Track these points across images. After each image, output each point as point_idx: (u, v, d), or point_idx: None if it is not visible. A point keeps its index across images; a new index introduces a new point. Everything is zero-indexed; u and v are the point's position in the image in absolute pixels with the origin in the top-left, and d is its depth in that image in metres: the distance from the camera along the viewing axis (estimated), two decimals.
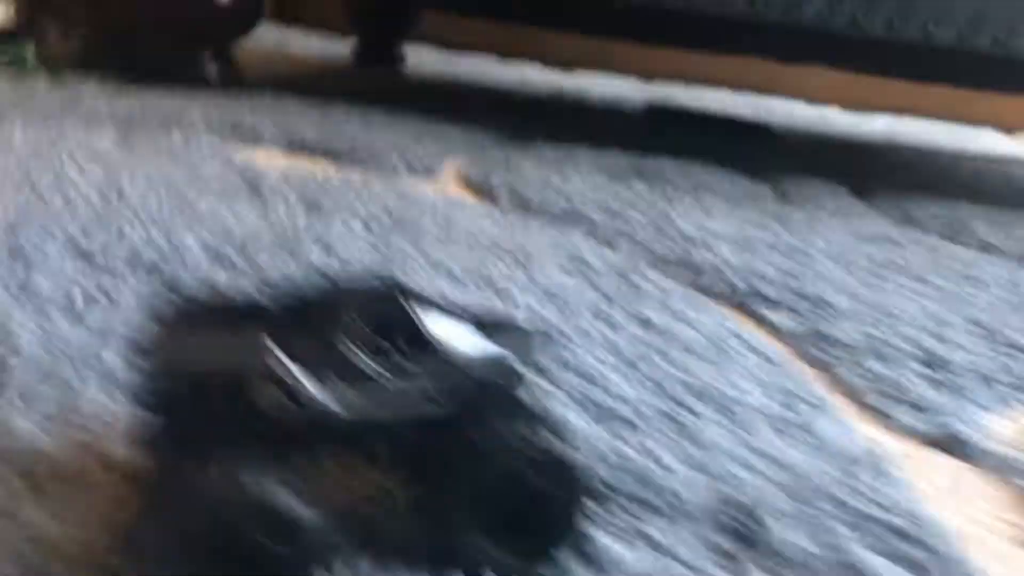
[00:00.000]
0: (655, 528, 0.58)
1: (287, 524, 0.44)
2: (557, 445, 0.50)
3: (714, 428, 0.75)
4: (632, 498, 0.62)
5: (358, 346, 0.49)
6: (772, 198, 1.83)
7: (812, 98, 4.28)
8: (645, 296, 1.09)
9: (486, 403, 0.53)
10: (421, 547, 0.50)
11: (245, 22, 2.28)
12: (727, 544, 0.58)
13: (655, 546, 0.56)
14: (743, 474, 0.67)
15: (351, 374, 0.49)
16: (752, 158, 2.16)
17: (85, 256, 0.95)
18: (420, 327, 0.51)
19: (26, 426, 0.60)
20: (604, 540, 0.56)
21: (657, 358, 0.88)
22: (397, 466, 0.52)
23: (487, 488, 0.50)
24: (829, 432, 0.77)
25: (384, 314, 0.53)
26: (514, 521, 0.51)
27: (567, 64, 4.38)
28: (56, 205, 1.11)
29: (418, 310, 0.52)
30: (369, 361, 0.49)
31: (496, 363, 0.54)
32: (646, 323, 0.99)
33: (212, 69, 2.26)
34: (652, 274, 1.18)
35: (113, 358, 0.72)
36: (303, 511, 0.45)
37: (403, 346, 0.53)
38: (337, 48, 3.62)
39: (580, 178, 1.72)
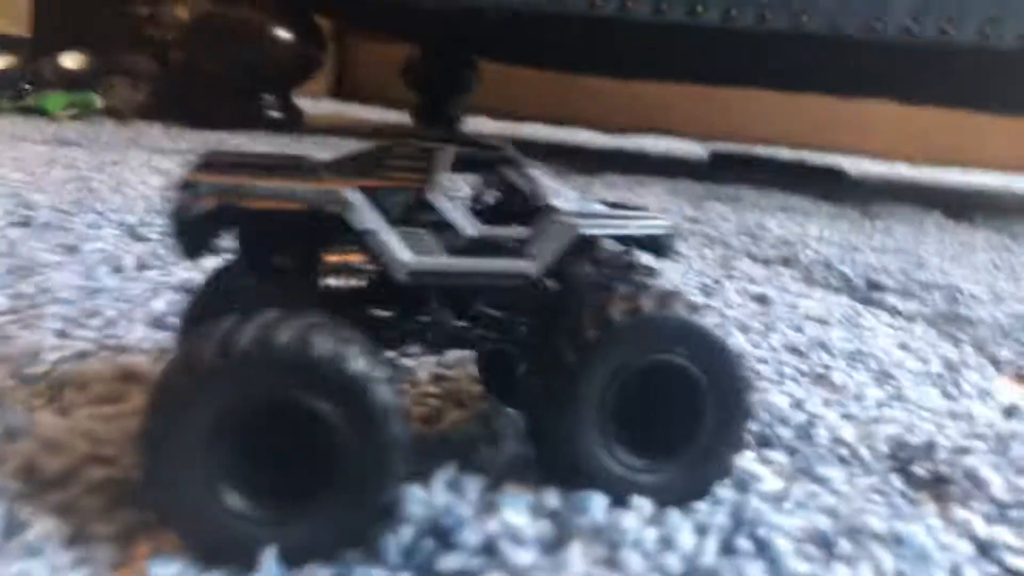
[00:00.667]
0: (824, 469, 0.45)
1: (374, 411, 0.33)
2: (717, 328, 0.38)
3: (862, 382, 0.62)
4: (790, 445, 0.49)
5: (455, 203, 0.38)
6: (864, 218, 1.70)
7: (879, 155, 4.17)
8: (755, 279, 0.96)
9: (617, 277, 0.42)
10: (546, 464, 0.38)
11: (305, 66, 2.26)
12: (901, 484, 0.45)
13: (832, 489, 0.43)
14: (903, 418, 0.54)
15: (447, 233, 0.38)
16: (829, 194, 2.05)
17: (141, 238, 0.88)
18: (538, 190, 0.40)
19: (56, 355, 0.50)
20: (771, 478, 0.43)
21: (784, 327, 0.75)
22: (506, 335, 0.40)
23: (629, 379, 0.37)
24: (975, 386, 0.64)
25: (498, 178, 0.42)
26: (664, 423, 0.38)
27: (622, 129, 4.35)
28: (114, 202, 1.04)
29: (538, 176, 0.41)
30: (468, 220, 0.38)
31: (626, 242, 0.43)
32: (763, 299, 0.86)
33: (274, 113, 2.24)
34: (756, 267, 1.06)
35: (162, 306, 0.62)
36: (394, 400, 0.34)
37: (517, 211, 0.42)
38: (394, 117, 3.65)
39: (655, 198, 1.62)
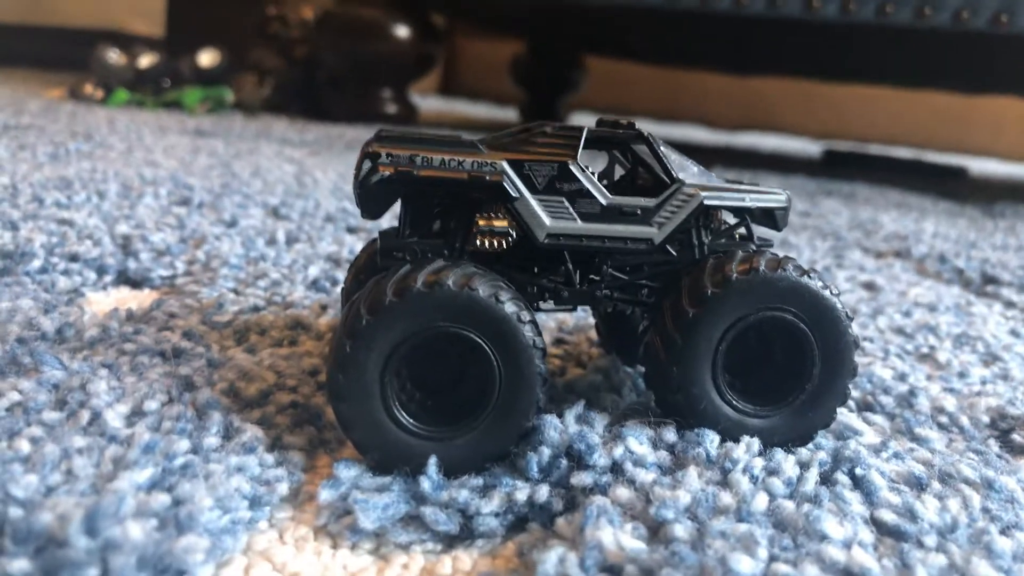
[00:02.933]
0: (923, 431, 0.48)
1: (524, 347, 0.39)
2: (825, 289, 0.42)
3: (967, 362, 0.64)
4: (891, 412, 0.52)
5: (590, 175, 0.44)
6: (985, 217, 1.67)
7: (1008, 156, 3.99)
8: (866, 268, 0.98)
9: (733, 244, 0.46)
10: (663, 408, 0.43)
11: (422, 63, 2.36)
12: (999, 449, 0.48)
13: (929, 448, 0.46)
14: (1007, 394, 0.57)
15: (583, 201, 0.43)
16: (950, 192, 2.01)
17: (284, 218, 0.96)
18: (665, 164, 0.45)
19: (235, 308, 0.58)
20: (871, 433, 0.46)
21: (892, 311, 0.77)
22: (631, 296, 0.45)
23: (743, 332, 0.42)
24: None
25: (628, 152, 0.48)
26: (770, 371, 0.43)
27: (733, 126, 4.31)
28: (256, 185, 1.14)
29: (667, 152, 0.46)
30: (601, 191, 0.43)
31: (743, 213, 0.47)
32: (871, 286, 0.88)
33: (391, 107, 2.35)
34: (867, 258, 1.07)
35: (316, 272, 0.70)
36: (539, 339, 0.39)
37: (641, 185, 0.47)
38: (501, 114, 3.73)
39: None
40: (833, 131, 4.23)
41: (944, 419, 0.52)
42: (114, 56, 2.33)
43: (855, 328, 0.70)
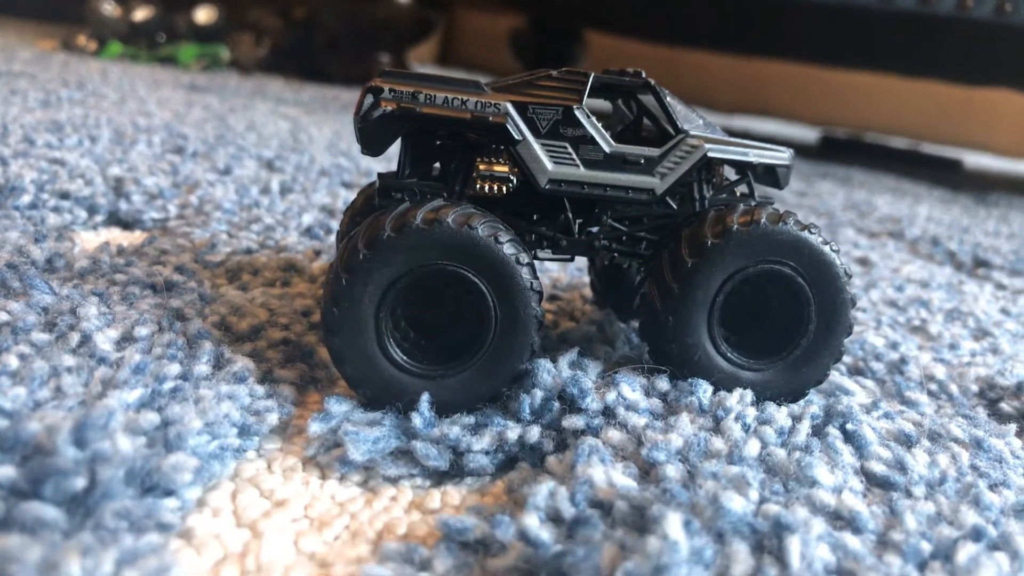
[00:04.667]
0: (915, 395, 0.48)
1: (521, 289, 0.38)
2: (825, 245, 0.42)
3: (958, 334, 0.64)
4: (882, 378, 0.52)
5: (594, 121, 0.43)
6: (979, 206, 1.67)
7: (1005, 151, 4.00)
8: (860, 246, 0.98)
9: (735, 199, 0.46)
10: (657, 358, 0.43)
11: (420, 29, 2.34)
12: (986, 416, 0.48)
13: (919, 412, 0.46)
14: (996, 365, 0.57)
15: (586, 147, 0.43)
16: (944, 181, 2.01)
17: (278, 170, 0.95)
18: (670, 115, 0.44)
19: (228, 249, 0.58)
20: (862, 394, 0.46)
21: (885, 285, 0.77)
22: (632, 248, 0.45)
23: (741, 284, 0.42)
24: None
25: (634, 100, 0.47)
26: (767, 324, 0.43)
27: (731, 109, 4.30)
28: (250, 138, 1.13)
29: (672, 102, 0.46)
30: (604, 138, 0.43)
31: (745, 168, 0.47)
32: (865, 262, 0.88)
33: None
34: (861, 236, 1.07)
35: (309, 220, 0.69)
36: (536, 282, 0.39)
37: (648, 135, 0.47)
38: None
39: None
40: (830, 118, 4.23)
41: (934, 386, 0.52)
42: (109, 8, 2.30)
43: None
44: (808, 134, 3.40)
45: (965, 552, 0.29)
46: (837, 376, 0.49)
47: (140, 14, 2.34)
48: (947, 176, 2.23)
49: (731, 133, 0.48)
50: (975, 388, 0.53)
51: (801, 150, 2.45)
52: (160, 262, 0.52)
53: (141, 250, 0.55)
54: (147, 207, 0.69)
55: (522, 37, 3.42)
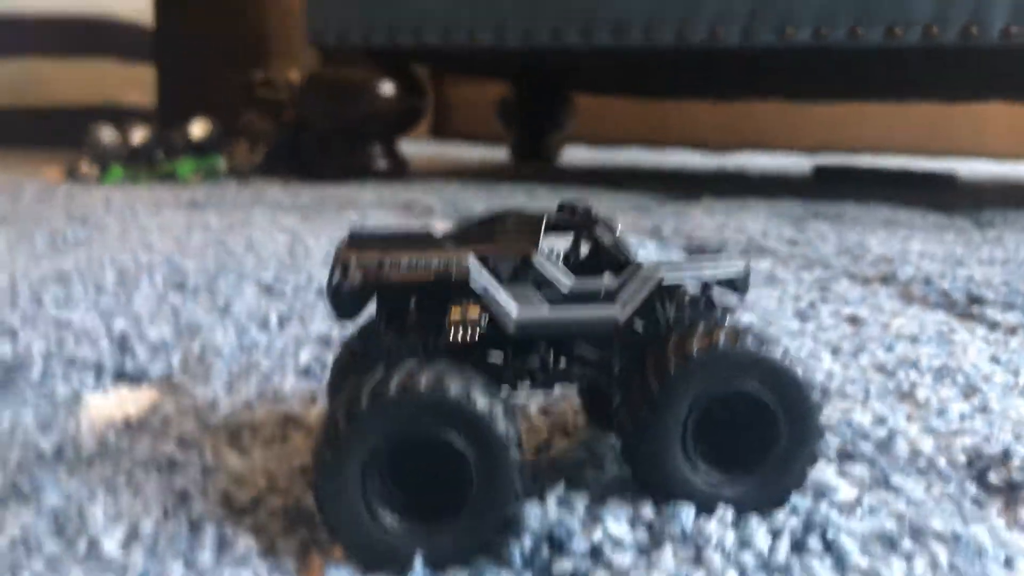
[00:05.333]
0: (900, 479, 0.50)
1: (497, 441, 0.40)
2: (784, 359, 0.44)
3: (946, 397, 0.65)
4: (871, 459, 0.53)
5: (553, 261, 0.46)
6: (974, 228, 1.68)
7: (996, 156, 4.02)
8: (850, 300, 0.99)
9: (697, 317, 0.48)
10: (640, 482, 0.45)
11: (409, 116, 2.40)
12: (975, 490, 0.49)
13: (905, 498, 0.47)
14: (983, 430, 0.58)
15: (548, 288, 0.45)
16: (939, 202, 2.03)
17: (278, 295, 0.99)
18: (621, 249, 0.47)
19: (228, 407, 0.60)
20: (846, 489, 0.48)
21: (875, 347, 0.79)
22: (606, 381, 0.47)
23: (709, 405, 0.44)
24: None
25: (585, 235, 0.50)
26: (740, 443, 0.44)
27: (723, 147, 4.35)
28: (249, 262, 1.16)
29: (622, 236, 0.48)
30: (565, 275, 0.45)
31: (705, 285, 0.49)
32: (855, 320, 0.90)
33: (381, 162, 2.39)
34: (854, 287, 1.09)
35: (307, 357, 0.72)
36: (512, 431, 0.41)
37: (607, 260, 0.49)
38: (492, 154, 3.79)
39: (756, 223, 1.65)
40: (824, 144, 4.27)
41: (922, 463, 0.53)
42: (108, 134, 2.38)
43: (835, 367, 0.72)
44: (803, 163, 3.43)
45: None
46: (822, 468, 0.51)
47: (138, 136, 2.42)
48: (941, 196, 2.24)
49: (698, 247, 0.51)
50: (963, 459, 0.54)
51: (795, 185, 2.48)
52: (164, 434, 0.55)
53: (146, 421, 0.57)
54: (151, 362, 0.72)
55: (508, 105, 3.49)
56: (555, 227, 0.48)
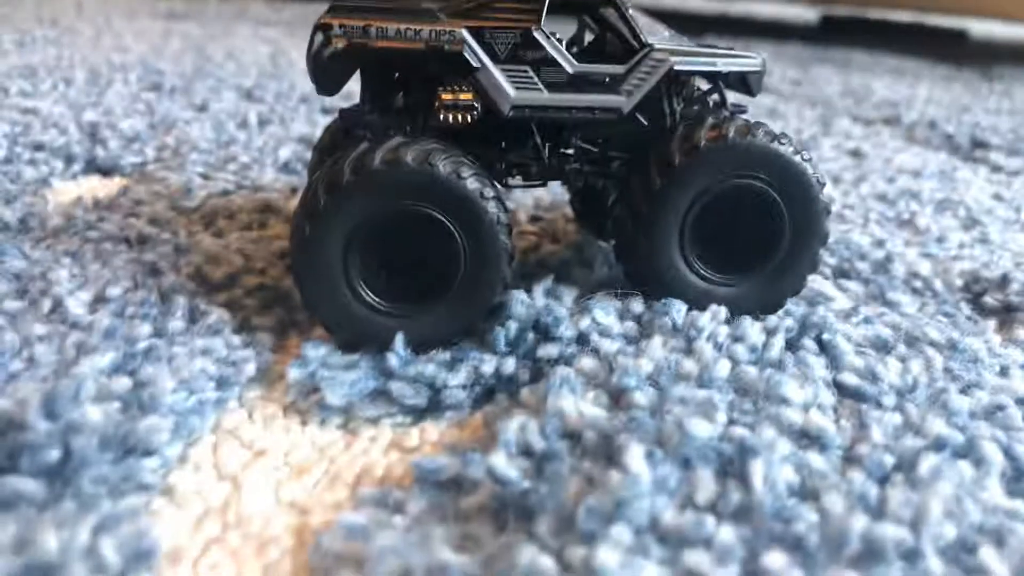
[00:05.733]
0: (896, 296, 0.49)
1: (487, 222, 0.38)
2: (796, 155, 0.41)
3: (947, 226, 0.63)
4: (867, 278, 0.52)
5: (555, 42, 0.42)
6: (982, 80, 1.63)
7: (1013, 17, 3.86)
8: (852, 136, 0.96)
9: (706, 111, 0.45)
10: (633, 280, 0.43)
11: None
12: (969, 311, 0.49)
13: (901, 312, 0.46)
14: (983, 257, 0.57)
15: (548, 70, 0.41)
16: (949, 55, 1.96)
17: (258, 100, 0.94)
18: (634, 29, 0.43)
19: (203, 193, 0.58)
20: (843, 299, 0.46)
21: (876, 178, 0.76)
22: (599, 169, 0.45)
23: (712, 201, 0.41)
24: None
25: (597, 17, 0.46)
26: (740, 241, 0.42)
27: None
28: (229, 68, 1.11)
29: (635, 15, 0.44)
30: (567, 55, 0.42)
31: (716, 78, 0.46)
32: (857, 153, 0.87)
33: None
34: (856, 126, 1.05)
35: (287, 154, 0.69)
36: (503, 215, 0.39)
37: (613, 50, 0.46)
38: None
39: None
40: None
41: (919, 284, 0.52)
42: None
43: (835, 194, 0.70)
44: (808, 14, 3.29)
45: (927, 463, 0.29)
46: (819, 282, 0.49)
47: None
48: (952, 50, 2.17)
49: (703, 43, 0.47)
50: (959, 283, 0.52)
51: (801, 32, 2.38)
52: (134, 214, 0.52)
53: (115, 202, 0.54)
54: (124, 152, 0.68)
55: None
56: (560, 5, 0.44)
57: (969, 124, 1.07)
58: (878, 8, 3.85)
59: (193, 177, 0.61)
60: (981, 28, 3.14)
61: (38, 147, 0.67)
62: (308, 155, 0.69)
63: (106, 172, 0.66)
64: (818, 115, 1.10)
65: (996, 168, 0.88)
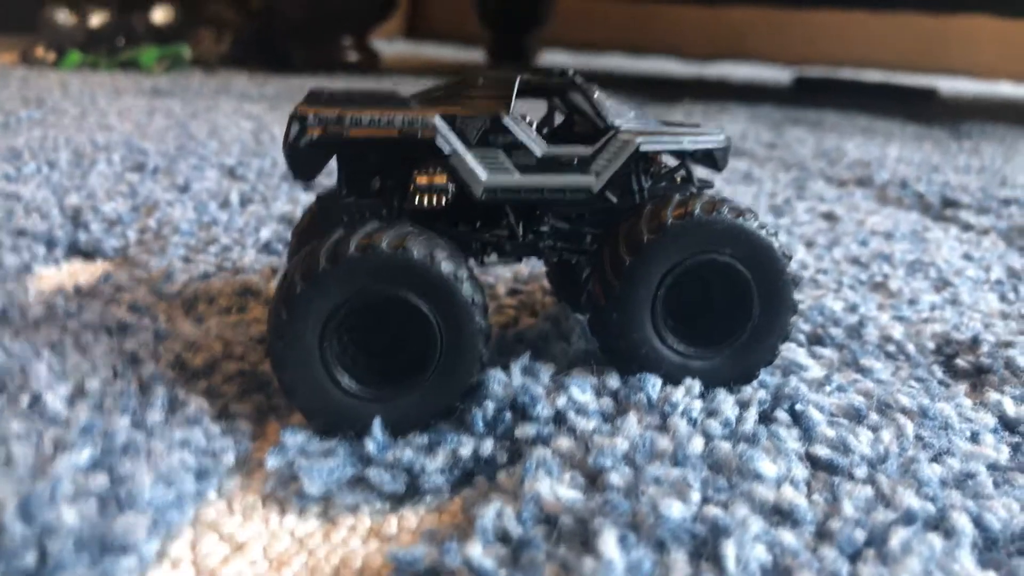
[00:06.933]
0: (869, 361, 0.49)
1: (462, 304, 0.39)
2: (761, 229, 0.42)
3: (918, 288, 0.65)
4: (841, 343, 0.53)
5: (525, 125, 0.43)
6: (951, 139, 1.67)
7: (981, 74, 3.97)
8: (826, 199, 0.98)
9: (673, 187, 0.46)
10: (608, 354, 0.43)
11: (382, 9, 2.31)
12: (942, 374, 0.49)
13: (874, 379, 0.47)
14: (953, 319, 0.58)
15: (519, 153, 0.43)
16: (919, 114, 2.01)
17: (240, 178, 0.95)
18: (600, 111, 0.44)
19: (184, 276, 0.58)
20: (817, 368, 0.47)
21: (849, 241, 0.78)
22: (570, 246, 0.46)
23: (682, 276, 0.42)
24: None
25: (564, 99, 0.47)
26: (711, 312, 0.43)
27: (705, 56, 4.26)
28: (212, 146, 1.12)
29: (600, 99, 0.46)
30: (537, 141, 0.43)
31: (683, 156, 0.47)
32: (831, 216, 0.88)
33: (352, 55, 2.31)
34: (830, 188, 1.07)
35: (268, 234, 0.69)
36: (477, 296, 0.39)
37: (579, 132, 0.47)
38: (469, 55, 3.68)
39: (735, 125, 1.62)
40: (805, 57, 4.20)
41: (892, 347, 0.53)
42: (63, 16, 2.27)
43: (809, 259, 0.71)
44: (783, 75, 3.38)
45: (897, 537, 0.30)
46: (793, 350, 0.50)
47: (96, 20, 2.31)
48: (922, 109, 2.22)
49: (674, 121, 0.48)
50: (931, 345, 0.53)
51: (775, 94, 2.44)
52: (115, 301, 0.53)
53: (96, 289, 0.55)
54: (106, 235, 0.69)
55: (488, 2, 3.38)
56: (529, 90, 0.45)
57: (939, 183, 1.10)
58: (850, 67, 3.96)
59: (174, 261, 0.62)
60: (950, 86, 3.23)
61: (20, 233, 0.67)
62: (288, 235, 0.70)
63: (88, 255, 0.67)
64: (792, 178, 1.12)
65: (967, 227, 0.90)
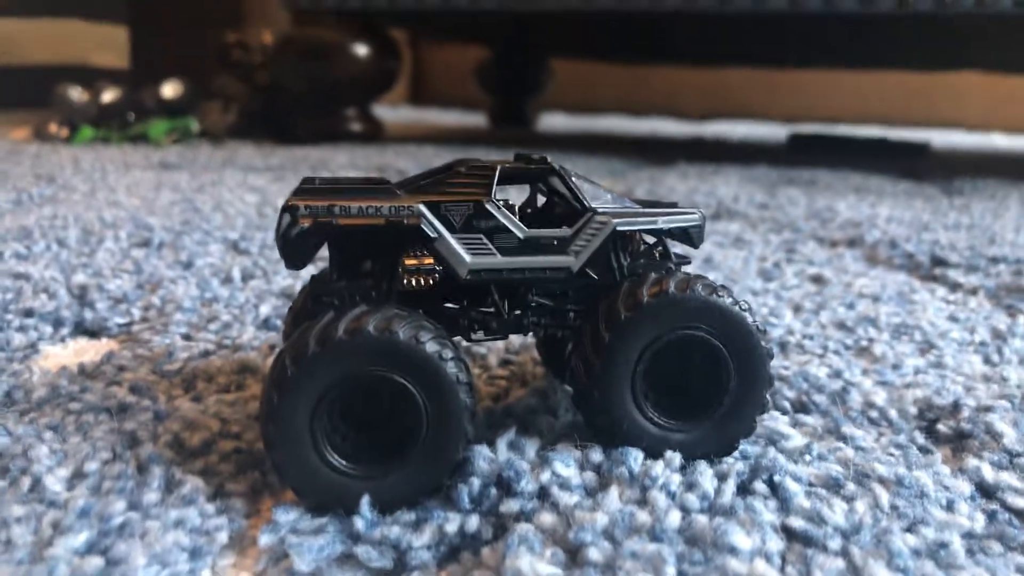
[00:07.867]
0: (851, 429, 0.50)
1: (447, 384, 0.40)
2: (734, 306, 0.44)
3: (903, 352, 0.66)
4: (824, 410, 0.54)
5: (506, 210, 0.45)
6: (942, 195, 1.69)
7: (973, 127, 4.03)
8: (815, 262, 1.00)
9: (651, 265, 0.48)
10: (591, 428, 0.45)
11: (383, 78, 2.37)
12: (923, 440, 0.50)
13: (854, 446, 0.48)
14: (936, 383, 0.59)
15: (501, 236, 0.45)
16: (910, 170, 2.05)
17: (243, 252, 0.98)
18: (577, 193, 0.47)
19: (185, 355, 0.60)
20: (798, 437, 0.48)
21: (836, 304, 0.79)
22: (555, 325, 0.47)
23: (659, 352, 0.44)
24: (1018, 352, 0.67)
25: (542, 185, 0.49)
26: (690, 389, 0.45)
27: (702, 115, 4.34)
28: (216, 220, 1.15)
29: (577, 182, 0.48)
30: (518, 224, 0.45)
31: (659, 234, 0.49)
32: (819, 279, 0.90)
33: (356, 125, 2.37)
34: (820, 249, 1.09)
35: (267, 310, 0.71)
36: (462, 375, 0.41)
37: (560, 213, 0.49)
38: (471, 119, 3.76)
39: (728, 187, 1.65)
40: (800, 114, 4.27)
41: (874, 413, 0.54)
42: (76, 93, 2.34)
43: (796, 324, 0.72)
44: (779, 132, 3.44)
45: None
46: (776, 418, 0.51)
47: (108, 96, 2.37)
48: (914, 164, 2.26)
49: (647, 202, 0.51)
50: (914, 410, 0.54)
51: (770, 153, 2.48)
52: (116, 382, 0.54)
53: (99, 369, 0.57)
54: (111, 313, 0.71)
55: (488, 69, 3.46)
56: (510, 177, 0.48)
57: (929, 242, 1.11)
58: (845, 123, 4.02)
59: (176, 339, 0.64)
60: (942, 138, 3.28)
61: (28, 313, 0.69)
62: (286, 311, 0.72)
63: (93, 334, 0.69)
64: (783, 240, 1.14)
65: (955, 286, 0.91)
